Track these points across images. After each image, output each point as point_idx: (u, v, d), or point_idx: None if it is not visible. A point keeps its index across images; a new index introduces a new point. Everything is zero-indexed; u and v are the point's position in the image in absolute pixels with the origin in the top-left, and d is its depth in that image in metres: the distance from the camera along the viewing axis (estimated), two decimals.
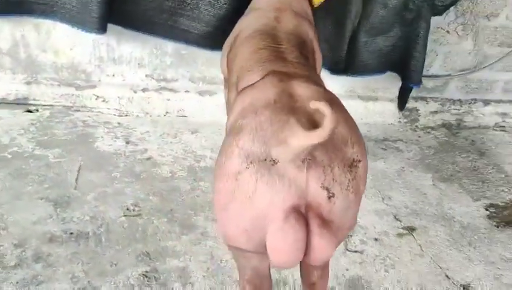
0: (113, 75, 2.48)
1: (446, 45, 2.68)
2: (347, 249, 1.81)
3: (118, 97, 2.47)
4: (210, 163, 2.19)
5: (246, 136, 1.06)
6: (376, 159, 2.42)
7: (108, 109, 2.46)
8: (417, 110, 2.81)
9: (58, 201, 1.83)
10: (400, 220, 2.01)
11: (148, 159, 2.16)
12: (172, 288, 1.55)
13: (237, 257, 1.26)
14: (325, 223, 1.03)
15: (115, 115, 2.45)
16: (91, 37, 2.34)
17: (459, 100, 2.88)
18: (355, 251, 1.82)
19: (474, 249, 1.90)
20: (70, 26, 2.19)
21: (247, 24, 1.79)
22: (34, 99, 2.39)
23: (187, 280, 1.58)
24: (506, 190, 2.32)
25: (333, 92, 1.28)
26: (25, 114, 2.34)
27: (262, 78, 1.24)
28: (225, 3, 2.24)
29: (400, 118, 2.79)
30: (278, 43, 1.56)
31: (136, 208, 1.86)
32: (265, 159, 1.02)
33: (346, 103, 1.25)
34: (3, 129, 2.20)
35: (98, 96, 2.46)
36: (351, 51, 2.41)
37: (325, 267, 1.34)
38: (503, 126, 2.93)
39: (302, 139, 0.98)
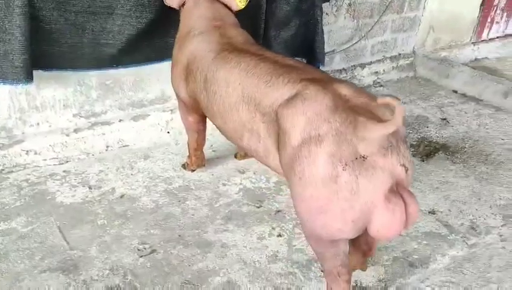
0: (38, 124, 2.27)
1: (327, 25, 3.10)
2: None
3: (50, 145, 2.28)
4: (181, 182, 2.22)
5: (331, 142, 1.24)
6: None
7: (45, 160, 2.26)
8: None
9: (64, 268, 1.69)
10: None
11: (122, 196, 2.09)
12: None
13: (327, 249, 1.41)
14: (410, 191, 1.28)
15: (55, 164, 2.26)
16: (6, 89, 2.11)
17: (344, 69, 3.36)
18: None
19: (421, 183, 2.35)
20: None
21: (197, 51, 1.86)
22: None
23: None
24: (411, 131, 2.86)
25: None
26: None
27: (304, 88, 1.38)
28: (144, 21, 2.22)
29: None
30: (260, 54, 1.70)
31: (147, 246, 1.83)
32: (356, 158, 1.22)
33: None
34: None
35: (27, 151, 2.23)
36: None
37: None
38: (379, 82, 3.53)
39: (380, 131, 1.21)
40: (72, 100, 2.32)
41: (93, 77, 2.32)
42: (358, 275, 1.74)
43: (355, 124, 1.23)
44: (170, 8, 2.09)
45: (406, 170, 1.26)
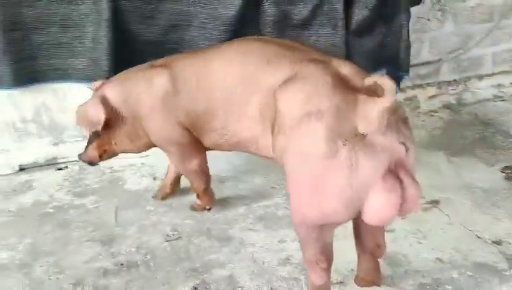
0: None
1: (430, 32, 2.84)
2: None
3: None
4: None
5: (331, 118, 1.23)
6: None
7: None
8: (416, 97, 2.93)
9: (103, 240, 1.96)
10: (422, 197, 2.10)
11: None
12: None
13: (310, 235, 1.37)
14: (411, 173, 1.23)
15: (138, 157, 2.60)
16: None
17: (455, 80, 3.01)
18: (386, 231, 1.91)
19: (498, 208, 1.99)
20: (85, 83, 2.39)
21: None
22: (63, 158, 2.56)
23: (235, 285, 1.69)
24: None
25: None
26: (57, 172, 2.50)
27: (304, 67, 1.40)
28: (219, 36, 2.41)
29: None
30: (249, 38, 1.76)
31: (176, 233, 1.98)
32: (356, 135, 1.21)
33: None
34: (42, 189, 2.36)
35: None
36: None
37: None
38: (501, 96, 3.04)
39: (378, 108, 1.18)
40: None
41: None
42: None
43: (355, 102, 1.23)
44: None
45: (407, 149, 1.22)
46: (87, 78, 2.36)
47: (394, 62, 2.63)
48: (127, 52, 2.40)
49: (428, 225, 1.93)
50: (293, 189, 1.35)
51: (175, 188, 2.23)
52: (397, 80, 2.69)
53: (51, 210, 2.19)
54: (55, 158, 2.56)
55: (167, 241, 1.94)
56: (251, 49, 1.63)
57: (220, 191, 2.23)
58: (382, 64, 2.67)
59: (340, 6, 2.43)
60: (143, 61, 2.39)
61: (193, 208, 2.10)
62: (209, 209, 2.08)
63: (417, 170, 2.23)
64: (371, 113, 1.19)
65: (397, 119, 1.25)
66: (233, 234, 1.95)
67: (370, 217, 1.23)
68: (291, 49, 1.55)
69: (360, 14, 2.47)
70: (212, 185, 2.12)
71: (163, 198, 2.20)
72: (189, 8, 2.38)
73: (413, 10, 2.52)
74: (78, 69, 2.41)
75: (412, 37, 2.60)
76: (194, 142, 1.87)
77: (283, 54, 1.51)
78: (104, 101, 1.83)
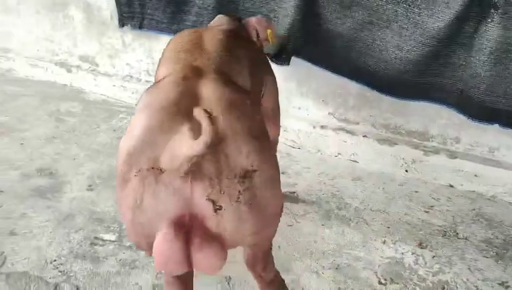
0: (299, 108, 2.54)
1: None
2: None
3: (298, 130, 2.52)
4: (350, 212, 1.98)
5: (139, 140, 1.05)
6: None
7: (286, 139, 2.54)
8: None
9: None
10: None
11: (292, 193, 2.12)
12: None
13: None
14: (208, 236, 1.02)
15: (289, 145, 2.51)
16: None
17: None
18: None
19: None
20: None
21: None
22: None
23: None
24: None
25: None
26: None
27: (168, 76, 1.20)
28: (414, 48, 2.04)
29: None
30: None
31: None
32: (153, 167, 1.02)
33: None
34: None
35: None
36: None
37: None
38: None
39: (188, 149, 0.98)
40: (331, 99, 2.44)
41: (354, 84, 2.32)
42: None
43: (174, 131, 1.02)
44: None
45: (217, 209, 1.00)
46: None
47: None
48: (315, 35, 2.27)
49: None
50: None
51: None
52: None
53: None
54: None
55: None
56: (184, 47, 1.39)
57: (328, 216, 1.96)
58: None
59: None
60: (330, 55, 2.27)
61: None
62: None
63: None
64: (178, 151, 0.99)
65: (223, 170, 1.00)
66: (294, 267, 1.69)
67: (154, 257, 1.06)
68: (195, 48, 1.33)
69: None
70: (327, 208, 1.84)
71: None
72: (391, 5, 2.09)
73: None
74: None
75: None
76: None
77: (184, 52, 1.32)
78: None
